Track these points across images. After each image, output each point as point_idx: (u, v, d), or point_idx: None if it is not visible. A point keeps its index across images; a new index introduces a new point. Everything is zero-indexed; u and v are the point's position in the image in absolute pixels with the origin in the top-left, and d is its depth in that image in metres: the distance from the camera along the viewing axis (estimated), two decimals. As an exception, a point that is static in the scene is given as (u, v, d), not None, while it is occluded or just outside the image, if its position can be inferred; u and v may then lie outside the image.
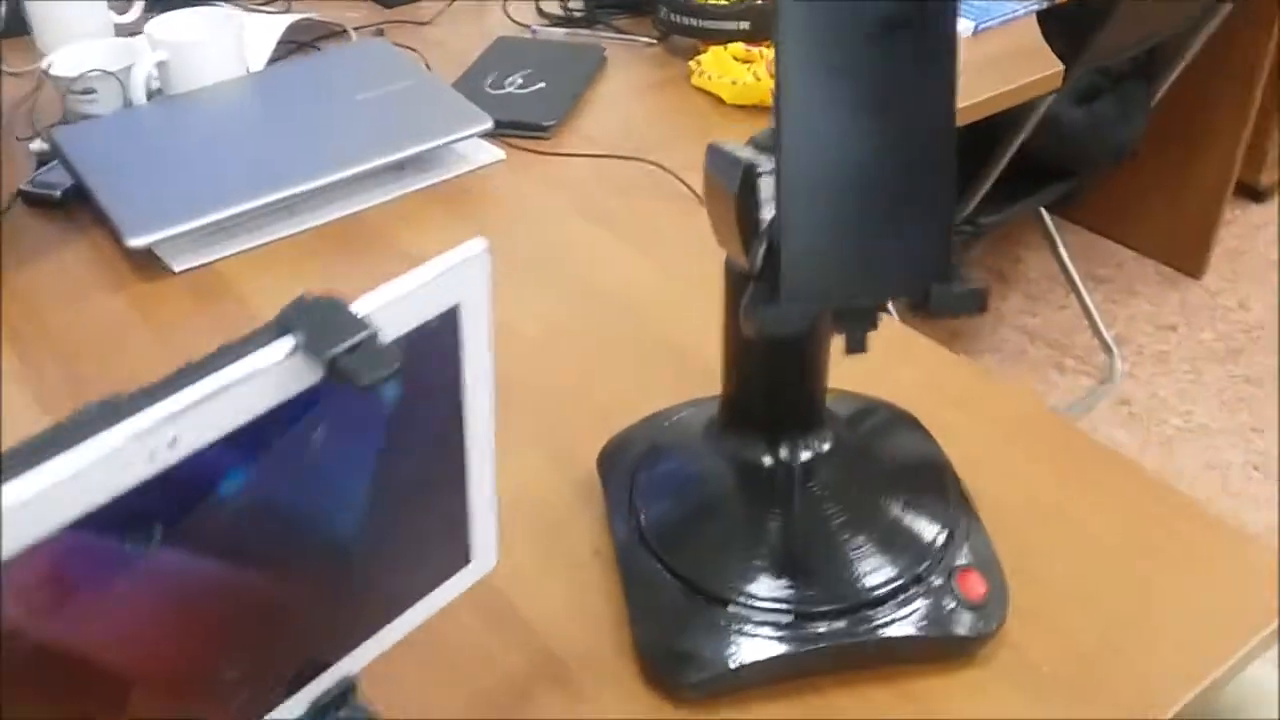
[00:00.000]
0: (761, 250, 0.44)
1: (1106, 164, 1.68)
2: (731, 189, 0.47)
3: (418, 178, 0.97)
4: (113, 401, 0.33)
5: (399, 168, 0.96)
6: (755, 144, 0.52)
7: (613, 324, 0.80)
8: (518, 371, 0.76)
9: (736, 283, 0.54)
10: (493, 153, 1.00)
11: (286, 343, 0.35)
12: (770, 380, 0.58)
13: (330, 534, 0.41)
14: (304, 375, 0.36)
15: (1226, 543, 0.62)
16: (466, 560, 0.49)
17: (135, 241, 0.85)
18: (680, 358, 0.76)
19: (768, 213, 0.45)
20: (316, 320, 0.36)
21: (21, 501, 0.30)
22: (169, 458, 0.33)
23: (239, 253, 0.89)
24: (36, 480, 0.31)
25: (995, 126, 1.34)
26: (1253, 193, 2.31)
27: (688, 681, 0.54)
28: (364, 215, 0.93)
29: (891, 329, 0.77)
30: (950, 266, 0.44)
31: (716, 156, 0.50)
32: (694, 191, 0.94)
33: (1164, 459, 1.76)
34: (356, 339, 0.35)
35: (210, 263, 0.88)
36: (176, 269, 0.87)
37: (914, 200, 0.44)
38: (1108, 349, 1.93)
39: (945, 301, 0.44)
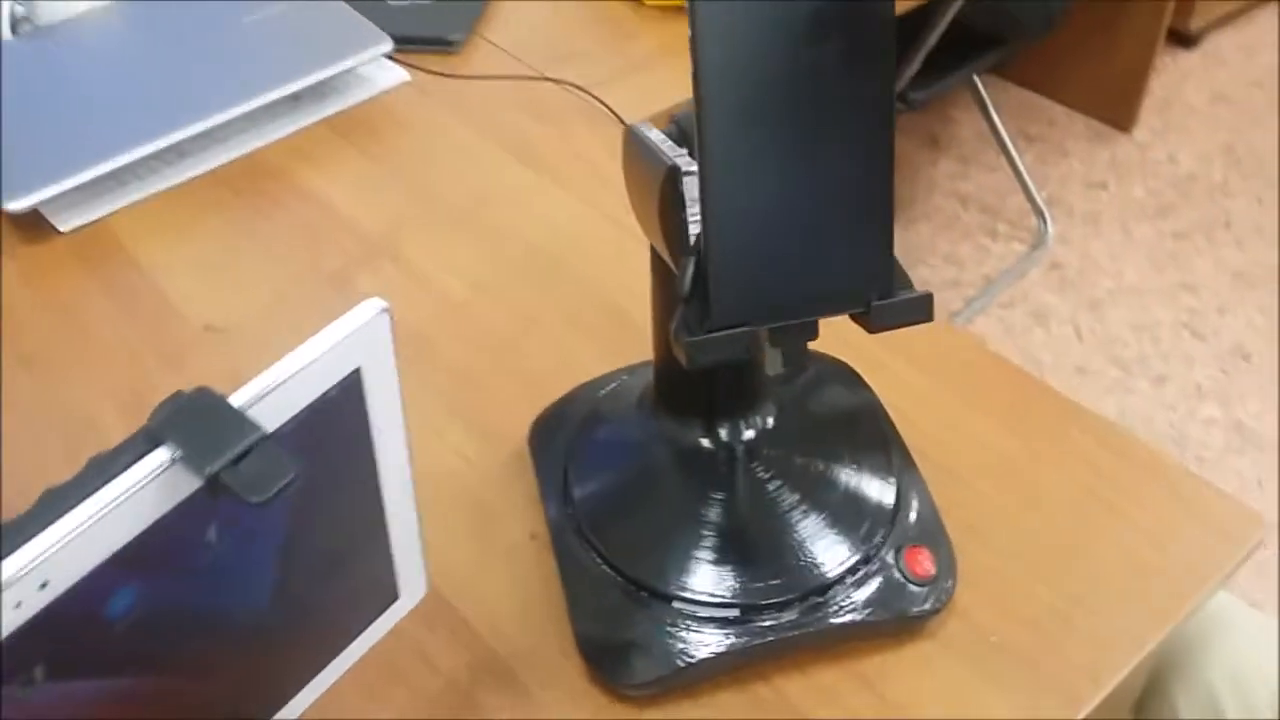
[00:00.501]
0: (690, 271, 0.40)
1: (1037, 32, 1.64)
2: (654, 193, 0.43)
3: (316, 108, 0.90)
4: (-32, 545, 0.29)
5: (294, 98, 0.89)
6: (679, 125, 0.48)
7: (542, 277, 0.76)
8: (438, 336, 0.72)
9: (660, 275, 0.51)
10: (397, 74, 0.94)
11: (160, 455, 0.31)
12: (702, 380, 0.54)
13: (241, 616, 0.38)
14: (184, 486, 0.32)
15: (1178, 489, 0.62)
16: (394, 597, 0.46)
17: (14, 205, 0.78)
18: (617, 314, 0.73)
19: (694, 225, 0.42)
20: (195, 425, 0.32)
21: None
22: (40, 600, 0.30)
23: (130, 205, 0.83)
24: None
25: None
26: (1182, 39, 2.28)
27: (632, 682, 0.53)
28: (261, 154, 0.87)
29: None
30: (893, 276, 0.41)
31: (637, 146, 0.46)
32: (616, 114, 0.89)
33: (1095, 321, 1.77)
34: (243, 446, 0.31)
35: (99, 219, 0.82)
36: (63, 229, 0.81)
37: (851, 210, 0.40)
38: (1039, 213, 1.91)
39: (889, 313, 0.41)
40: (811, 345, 0.65)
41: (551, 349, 0.71)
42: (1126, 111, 2.11)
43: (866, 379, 0.64)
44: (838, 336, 0.66)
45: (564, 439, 0.61)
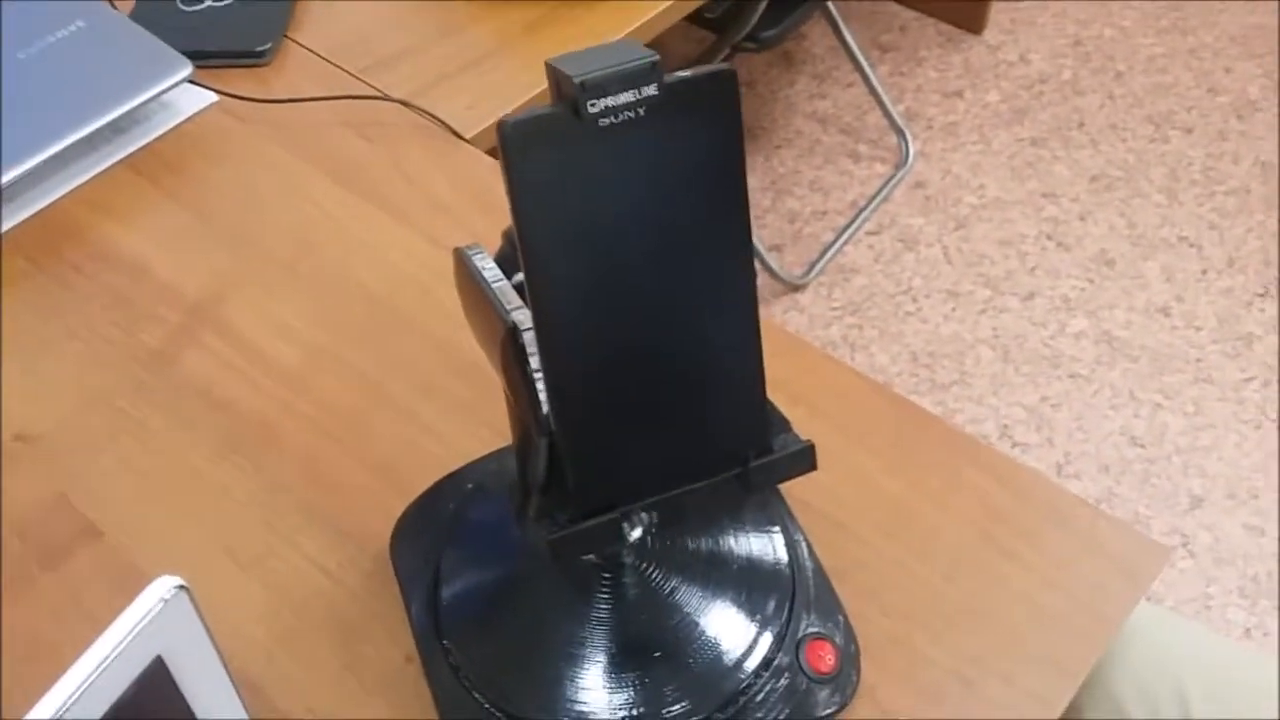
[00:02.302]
0: (543, 458, 0.35)
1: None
2: (495, 346, 0.37)
3: (113, 148, 0.81)
4: None
5: (87, 141, 0.79)
6: (511, 242, 0.42)
7: (385, 333, 0.69)
8: (279, 420, 0.65)
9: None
10: (201, 97, 0.84)
11: None
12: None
13: None
14: None
15: (1074, 525, 0.59)
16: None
17: None
18: (475, 371, 0.67)
19: (543, 398, 0.36)
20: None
21: None
22: None
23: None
24: None
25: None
26: (1024, -68, 2.25)
27: (531, 831, 0.49)
28: (55, 210, 0.77)
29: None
30: (769, 429, 0.37)
31: (471, 278, 0.40)
32: (456, 132, 0.81)
33: (962, 240, 1.77)
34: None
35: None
36: None
37: (716, 366, 0.35)
38: (899, 131, 1.89)
39: (768, 474, 0.37)
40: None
41: (404, 424, 0.65)
42: (976, 13, 2.08)
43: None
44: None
45: (427, 548, 0.56)
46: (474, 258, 0.40)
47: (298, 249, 0.74)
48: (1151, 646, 0.67)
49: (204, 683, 0.33)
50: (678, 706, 0.49)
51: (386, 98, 0.82)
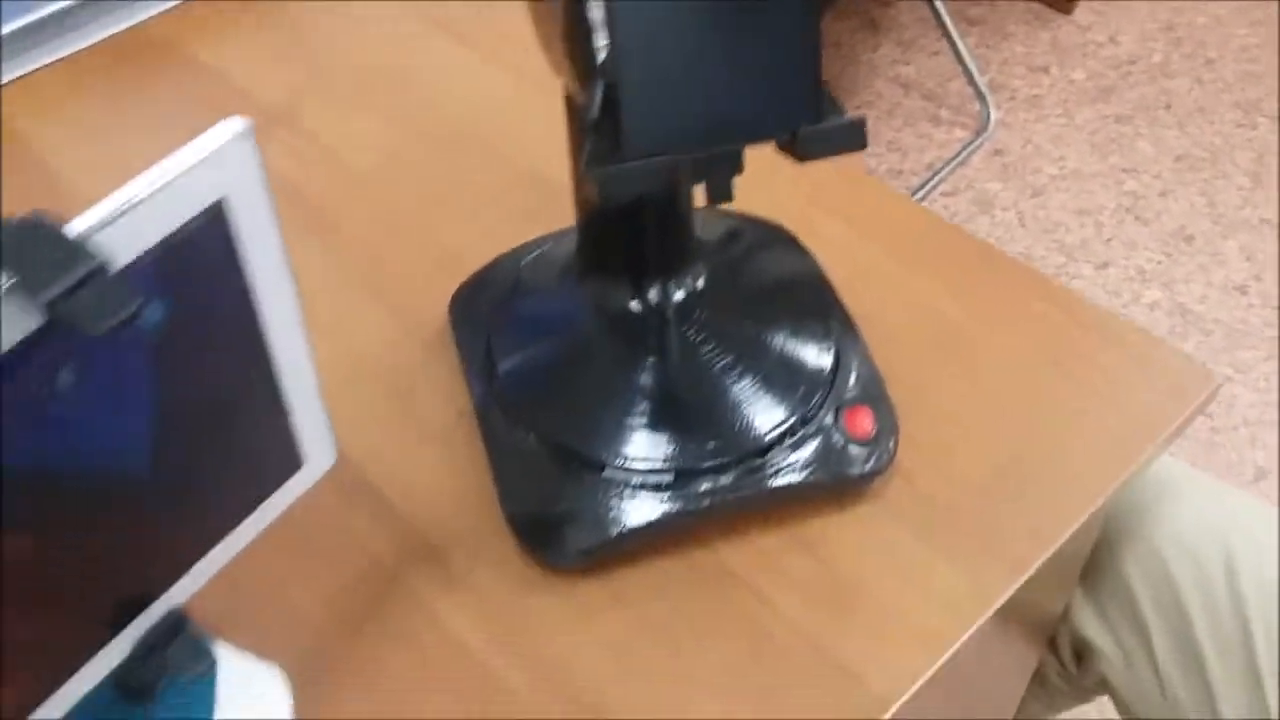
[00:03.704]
0: (598, 96, 0.36)
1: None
2: (557, 17, 0.39)
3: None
4: None
5: (188, -35, 0.82)
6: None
7: (458, 147, 0.71)
8: (350, 211, 0.67)
9: (576, 118, 0.46)
10: (301, -61, 0.87)
11: (-11, 287, 0.27)
12: (631, 216, 0.51)
13: (113, 476, 0.34)
14: (23, 321, 0.28)
15: (1129, 349, 0.59)
16: (298, 465, 0.42)
17: (-122, 82, 0.72)
18: (537, 184, 0.68)
19: (602, 39, 0.37)
20: (28, 251, 0.27)
21: None
22: None
23: (10, 82, 0.77)
24: None
25: None
26: (1123, -82, 2.23)
27: (565, 553, 0.50)
28: (149, 26, 0.80)
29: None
30: (822, 101, 0.38)
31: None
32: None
33: (1038, 207, 1.75)
34: (79, 275, 0.27)
35: (-25, 98, 0.76)
36: (-62, 109, 0.75)
37: (777, 28, 0.36)
38: (981, 98, 1.88)
39: (818, 142, 0.38)
40: (748, 209, 0.62)
41: (469, 223, 0.66)
42: (1068, -7, 2.07)
43: (805, 245, 0.61)
44: (775, 202, 0.63)
45: (486, 311, 0.57)
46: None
47: (375, 72, 0.77)
48: (1199, 510, 0.66)
49: (262, 252, 0.34)
50: (714, 445, 0.50)
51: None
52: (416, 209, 0.67)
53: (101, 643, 0.38)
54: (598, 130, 0.37)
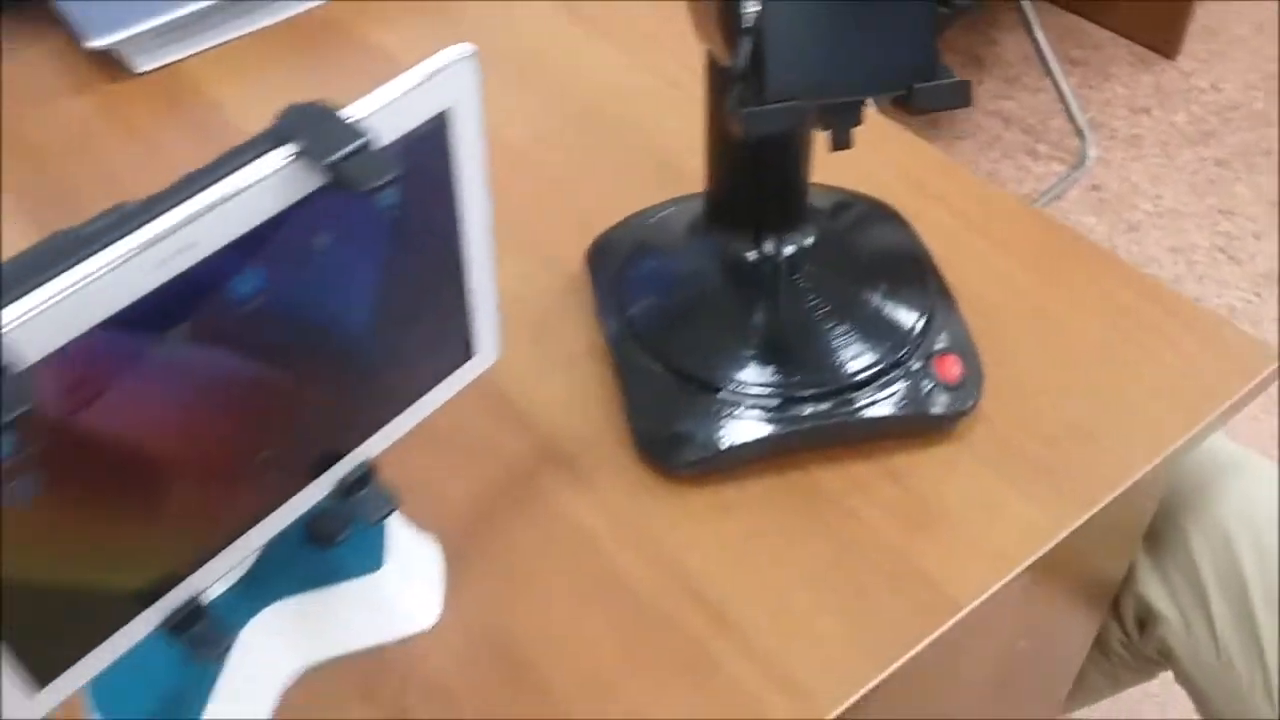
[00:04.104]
0: (747, 48, 0.44)
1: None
2: (716, -16, 0.46)
3: (384, -30, 0.94)
4: (123, 210, 0.34)
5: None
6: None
7: (595, 128, 0.80)
8: (501, 178, 0.75)
9: (719, 77, 0.54)
10: (460, -58, 0.97)
11: (285, 150, 0.36)
12: (754, 177, 0.59)
13: (341, 333, 0.43)
14: (303, 183, 0.37)
15: (1198, 326, 0.65)
16: (470, 355, 0.50)
17: (94, 43, 0.82)
18: (662, 161, 0.76)
19: (751, 6, 0.45)
20: (312, 128, 0.36)
21: (42, 308, 0.32)
22: (184, 261, 0.34)
23: (201, 52, 0.87)
24: (59, 286, 0.32)
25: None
26: (1232, -32, 2.26)
27: (682, 462, 0.57)
28: (327, 10, 0.91)
29: (871, 121, 0.77)
30: (935, 62, 0.45)
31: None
32: (670, -20, 0.92)
33: (1132, 243, 1.79)
34: (353, 146, 0.36)
35: (173, 63, 0.86)
36: (139, 69, 0.85)
37: (901, 6, 0.43)
38: (1080, 134, 1.92)
39: (929, 96, 0.45)
40: (855, 188, 0.69)
41: (606, 189, 0.75)
42: (1172, 38, 2.10)
43: (911, 224, 0.68)
44: (883, 184, 0.70)
45: (620, 257, 0.65)
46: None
47: (529, 60, 0.86)
48: (1261, 488, 0.71)
49: (470, 161, 0.42)
50: (814, 377, 0.57)
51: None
52: (560, 177, 0.76)
53: (309, 480, 0.47)
54: (744, 79, 0.44)
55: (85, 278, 0.32)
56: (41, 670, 0.40)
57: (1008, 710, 0.82)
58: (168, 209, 0.34)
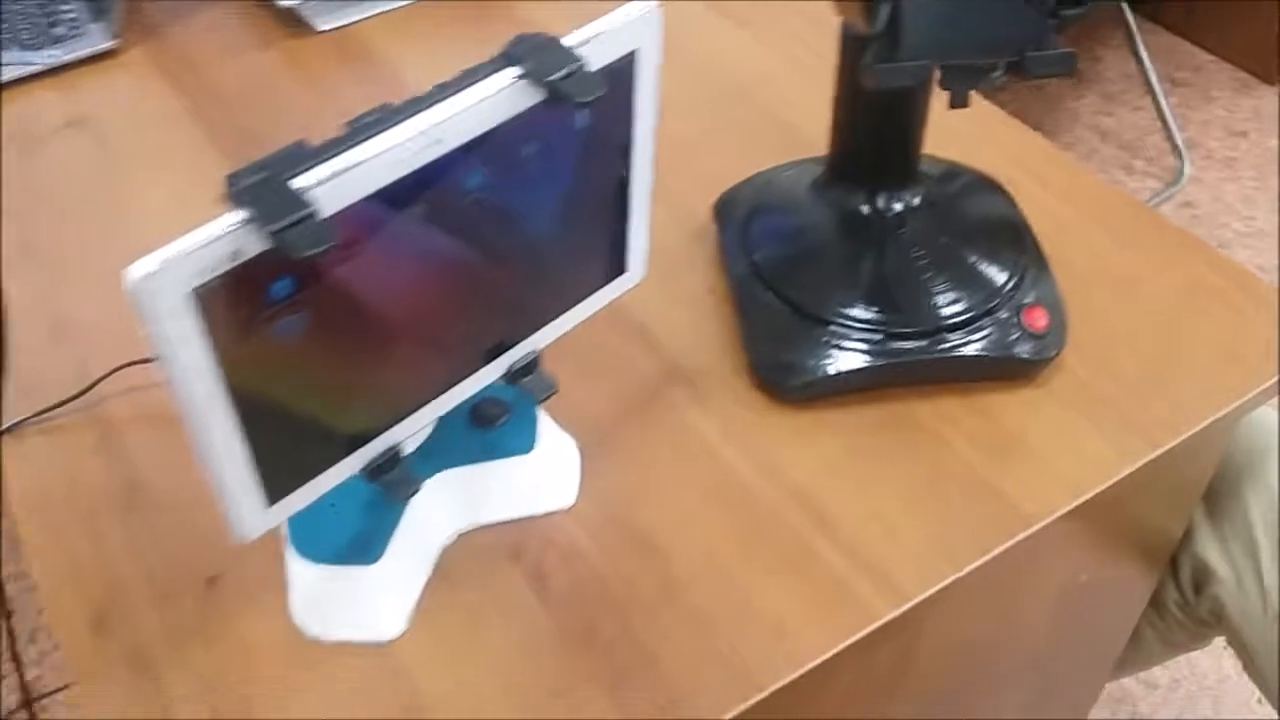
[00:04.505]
0: (885, 14, 0.52)
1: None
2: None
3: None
4: (388, 108, 0.43)
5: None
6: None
7: (722, 99, 0.88)
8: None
9: (852, 44, 0.62)
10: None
11: (514, 70, 0.45)
12: (873, 138, 0.66)
13: (531, 231, 0.51)
14: (525, 98, 0.45)
15: (1259, 298, 0.72)
16: (623, 270, 0.59)
17: (285, 1, 0.93)
18: (782, 130, 0.84)
19: (889, -20, 0.53)
20: (536, 54, 0.45)
21: (332, 183, 0.41)
22: (432, 153, 0.43)
23: (374, 15, 0.97)
24: (344, 161, 0.41)
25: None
26: (1342, -1, 2.28)
27: (792, 385, 0.65)
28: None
29: (981, 110, 0.85)
30: (1046, 34, 0.52)
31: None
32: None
33: (1220, 260, 1.82)
34: (570, 68, 0.44)
35: (350, 24, 0.96)
36: (320, 28, 0.96)
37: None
38: (1177, 152, 1.96)
39: (1039, 63, 0.52)
40: (965, 162, 0.76)
41: (732, 153, 0.83)
42: (1272, 65, 2.13)
43: (1009, 193, 0.75)
44: (988, 161, 0.78)
45: (746, 209, 0.74)
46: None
47: (670, 38, 0.94)
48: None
49: (646, 97, 0.51)
50: (913, 317, 0.65)
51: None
52: (691, 142, 0.84)
53: (489, 362, 0.56)
54: (880, 39, 0.52)
55: (365, 157, 0.41)
56: (273, 489, 0.49)
57: (1065, 658, 0.89)
58: (422, 110, 0.43)
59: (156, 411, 0.68)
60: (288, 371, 0.46)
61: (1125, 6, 1.88)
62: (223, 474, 0.46)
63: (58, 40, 0.94)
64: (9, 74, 0.91)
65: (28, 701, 1.31)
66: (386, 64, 0.93)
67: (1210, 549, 0.79)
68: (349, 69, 0.93)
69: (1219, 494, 0.79)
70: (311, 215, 0.39)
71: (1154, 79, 1.95)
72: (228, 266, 0.40)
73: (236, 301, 0.41)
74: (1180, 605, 0.85)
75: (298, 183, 0.40)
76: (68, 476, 0.66)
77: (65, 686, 1.34)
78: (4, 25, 0.95)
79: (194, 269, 0.39)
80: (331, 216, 0.41)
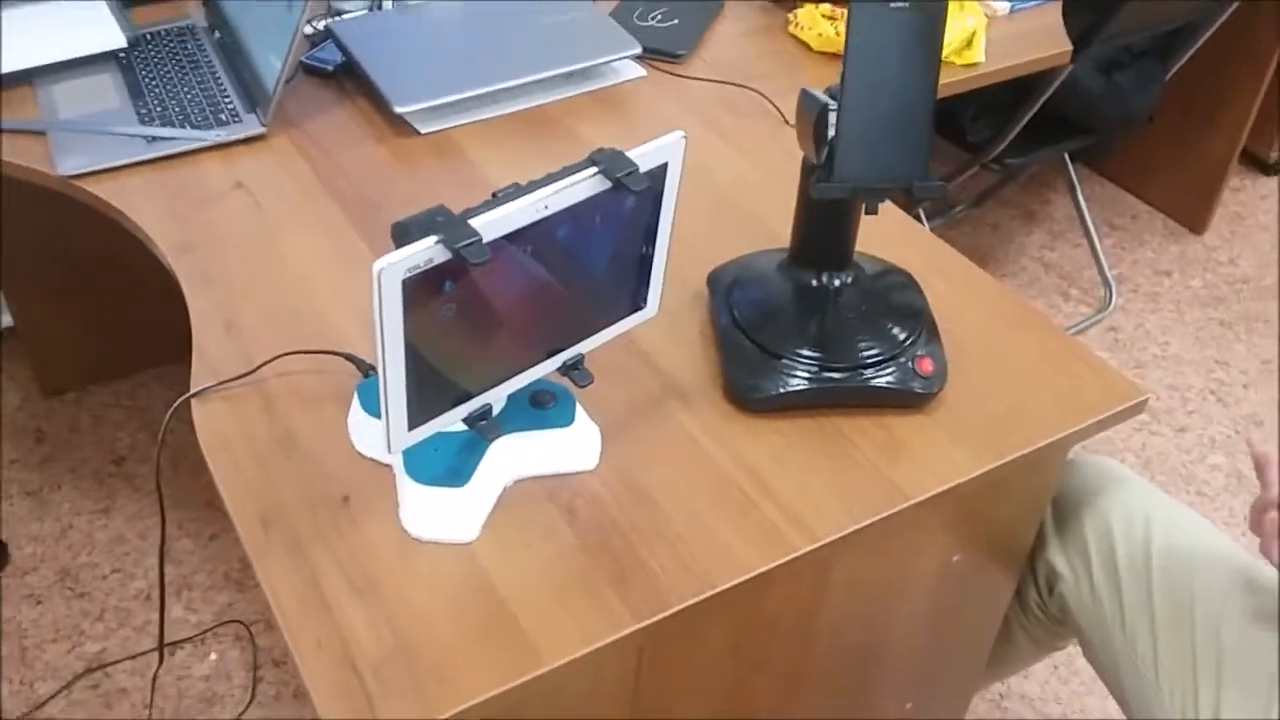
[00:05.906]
0: (825, 152, 0.82)
1: (1121, 127, 2.02)
2: (811, 119, 0.85)
3: (583, 84, 1.35)
4: (518, 186, 0.73)
5: (570, 75, 1.34)
6: (829, 91, 0.90)
7: (717, 204, 1.19)
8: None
9: (806, 170, 0.93)
10: (638, 71, 1.38)
11: (594, 168, 0.74)
12: (820, 235, 0.96)
13: (588, 271, 0.81)
14: (599, 185, 0.75)
15: (1094, 368, 1.01)
16: (642, 306, 0.88)
17: (401, 108, 1.24)
18: (759, 226, 1.15)
19: (830, 131, 0.83)
20: (609, 159, 0.75)
21: (490, 222, 0.70)
22: (541, 213, 0.73)
23: (463, 124, 1.28)
24: (496, 214, 0.70)
25: (1029, 86, 1.69)
26: (1263, 165, 2.63)
27: (754, 399, 0.94)
28: (546, 108, 1.32)
29: (912, 228, 1.16)
30: (926, 170, 0.83)
31: (805, 97, 0.88)
32: (782, 114, 1.32)
33: (1136, 377, 2.12)
34: (629, 169, 0.74)
35: (446, 129, 1.27)
36: (422, 131, 1.26)
37: (906, 128, 0.82)
38: (1107, 285, 2.28)
39: (922, 190, 0.82)
40: (884, 257, 1.06)
41: (723, 241, 1.13)
42: (1201, 217, 2.46)
43: (918, 282, 1.05)
44: (905, 259, 1.07)
45: (730, 278, 1.03)
46: (810, 90, 0.89)
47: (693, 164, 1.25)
48: (1136, 494, 1.06)
49: (670, 192, 0.81)
50: (841, 356, 0.94)
51: (747, 87, 1.34)
52: (690, 234, 1.14)
53: (551, 356, 0.84)
54: (823, 168, 0.83)
55: (505, 213, 0.71)
56: (414, 419, 0.78)
57: (945, 641, 1.16)
58: (538, 187, 0.72)
59: (303, 387, 0.96)
60: (438, 341, 0.75)
61: (1067, 159, 2.22)
62: (393, 401, 0.74)
63: (222, 124, 1.25)
64: (183, 146, 1.22)
65: (161, 647, 1.60)
66: (471, 164, 1.23)
67: (1057, 555, 1.07)
68: (442, 162, 1.23)
69: (1064, 515, 1.07)
70: (479, 240, 0.68)
71: (1089, 221, 2.28)
72: (424, 267, 0.69)
73: (423, 290, 0.70)
74: (1039, 606, 1.12)
75: (473, 222, 0.69)
76: (242, 428, 0.94)
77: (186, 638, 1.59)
78: (184, 110, 1.26)
79: (407, 265, 0.68)
80: (486, 243, 0.70)
